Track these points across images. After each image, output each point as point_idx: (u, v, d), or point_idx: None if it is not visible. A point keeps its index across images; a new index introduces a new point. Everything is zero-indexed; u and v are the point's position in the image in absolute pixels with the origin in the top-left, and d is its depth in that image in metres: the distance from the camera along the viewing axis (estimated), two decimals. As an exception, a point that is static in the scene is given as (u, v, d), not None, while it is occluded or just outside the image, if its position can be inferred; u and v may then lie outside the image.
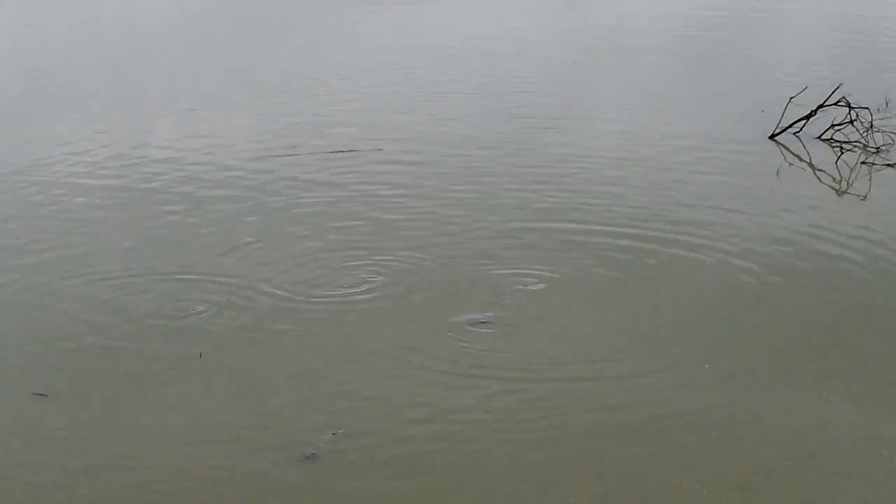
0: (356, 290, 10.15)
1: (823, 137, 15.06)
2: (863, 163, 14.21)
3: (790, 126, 15.26)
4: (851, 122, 14.98)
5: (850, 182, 13.67)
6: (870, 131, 14.81)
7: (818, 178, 13.96)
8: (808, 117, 15.28)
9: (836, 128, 15.03)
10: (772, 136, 15.20)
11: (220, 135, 15.43)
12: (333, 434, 7.81)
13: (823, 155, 14.59)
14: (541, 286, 10.22)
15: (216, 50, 23.14)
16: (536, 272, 10.52)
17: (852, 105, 15.07)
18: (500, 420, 8.13)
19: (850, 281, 10.51)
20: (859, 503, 7.25)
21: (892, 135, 14.85)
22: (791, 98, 15.35)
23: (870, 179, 13.68)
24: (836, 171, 14.01)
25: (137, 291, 10.17)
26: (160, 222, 11.95)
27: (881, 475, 7.50)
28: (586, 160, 14.07)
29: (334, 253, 10.96)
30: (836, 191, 13.57)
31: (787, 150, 14.85)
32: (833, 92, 15.34)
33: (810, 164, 14.38)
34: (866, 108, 15.14)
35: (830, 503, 7.25)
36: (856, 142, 14.83)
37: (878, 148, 14.56)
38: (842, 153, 14.51)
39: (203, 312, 9.72)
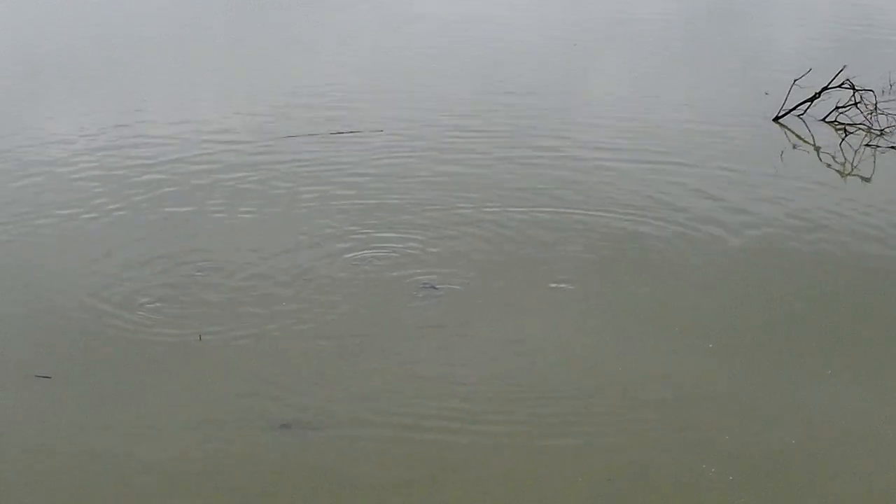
0: (357, 270, 10.14)
1: (827, 120, 15.02)
2: (867, 145, 14.18)
3: (794, 108, 15.22)
4: (856, 104, 14.93)
5: (855, 164, 13.65)
6: (874, 113, 14.77)
7: (822, 160, 13.93)
8: (812, 99, 15.24)
9: (841, 110, 14.99)
10: (776, 119, 15.15)
11: (216, 118, 15.39)
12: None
13: (827, 137, 14.57)
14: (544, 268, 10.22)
15: (211, 30, 23.09)
16: (536, 256, 10.52)
17: (856, 87, 15.02)
18: (494, 402, 8.11)
19: (854, 262, 10.49)
20: (864, 481, 7.24)
21: (896, 116, 14.83)
22: (795, 80, 15.30)
23: (874, 161, 13.67)
24: (841, 154, 13.98)
25: (138, 274, 10.15)
26: (160, 205, 11.91)
27: (886, 453, 7.49)
28: (587, 144, 14.04)
29: (336, 234, 10.94)
30: (840, 173, 13.54)
31: (791, 132, 14.81)
32: (837, 74, 15.29)
33: (814, 147, 14.35)
34: (870, 90, 15.09)
35: (836, 481, 7.25)
36: (860, 124, 14.79)
37: (882, 130, 14.52)
38: (846, 135, 14.48)
39: (202, 294, 9.70)
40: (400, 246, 10.63)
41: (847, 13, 24.01)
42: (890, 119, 14.70)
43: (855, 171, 13.45)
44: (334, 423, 7.83)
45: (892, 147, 14.01)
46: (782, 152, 14.08)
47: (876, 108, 14.82)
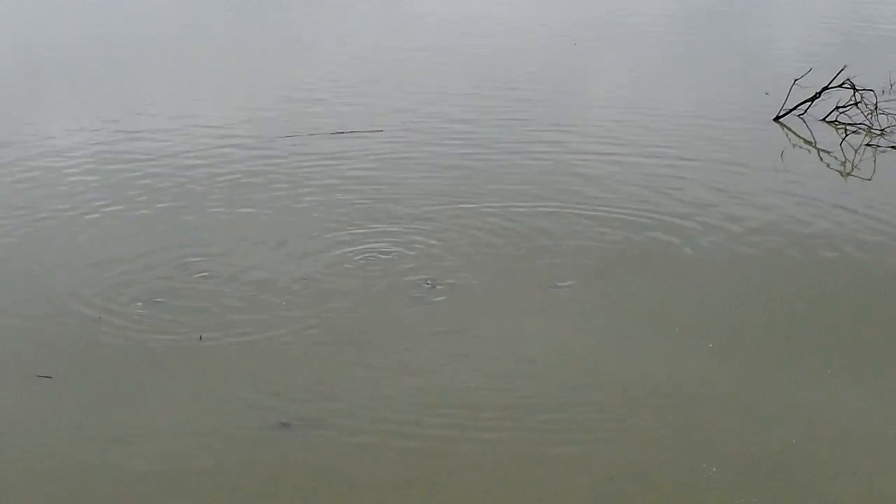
0: (357, 269, 10.14)
1: (828, 119, 15.02)
2: (867, 145, 14.17)
3: (795, 108, 15.21)
4: (856, 104, 14.92)
5: (855, 164, 13.65)
6: (874, 113, 14.76)
7: (823, 160, 13.93)
8: (812, 99, 15.23)
9: (841, 110, 14.98)
10: (776, 119, 15.15)
11: (216, 118, 15.39)
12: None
13: (828, 137, 14.56)
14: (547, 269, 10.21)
15: (211, 30, 23.10)
16: (537, 255, 10.51)
17: (857, 87, 15.01)
18: (495, 402, 8.10)
19: (854, 262, 10.48)
20: (864, 481, 7.23)
21: (896, 116, 14.82)
22: (795, 80, 15.30)
23: (874, 161, 13.66)
24: (841, 153, 13.98)
25: (138, 274, 10.14)
26: (160, 205, 11.91)
27: (886, 453, 7.48)
28: (587, 143, 14.03)
29: (337, 233, 10.94)
30: (841, 173, 13.54)
31: (792, 132, 14.81)
32: (837, 74, 15.29)
33: (815, 146, 14.35)
34: (871, 90, 15.08)
35: (836, 481, 7.24)
36: (860, 124, 14.78)
37: (882, 130, 14.51)
38: (846, 135, 14.47)
39: (203, 294, 9.70)
40: (401, 244, 10.62)
41: (847, 13, 24.01)
42: (890, 119, 14.69)
43: (855, 171, 13.44)
44: (334, 423, 7.82)
45: (893, 147, 14.01)
46: (783, 152, 14.08)
47: (876, 108, 14.81)
